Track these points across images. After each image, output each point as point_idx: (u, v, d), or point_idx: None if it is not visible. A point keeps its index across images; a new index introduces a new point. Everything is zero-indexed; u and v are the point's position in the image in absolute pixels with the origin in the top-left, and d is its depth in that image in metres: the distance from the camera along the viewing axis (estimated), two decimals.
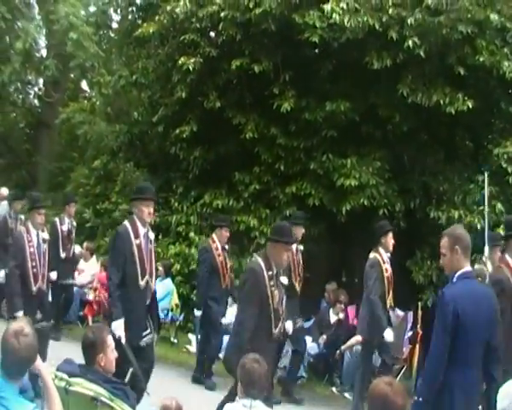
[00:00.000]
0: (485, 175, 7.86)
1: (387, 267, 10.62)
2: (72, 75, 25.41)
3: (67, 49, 19.63)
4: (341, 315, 13.71)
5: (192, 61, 15.40)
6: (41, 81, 26.89)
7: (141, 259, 8.60)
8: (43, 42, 24.17)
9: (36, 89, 28.20)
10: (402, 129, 14.82)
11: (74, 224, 15.08)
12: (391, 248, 10.87)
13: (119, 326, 8.20)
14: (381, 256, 10.60)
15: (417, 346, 11.74)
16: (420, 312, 12.13)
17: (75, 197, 16.66)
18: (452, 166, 15.05)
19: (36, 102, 28.88)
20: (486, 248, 9.87)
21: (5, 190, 19.25)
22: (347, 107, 14.41)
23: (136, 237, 8.60)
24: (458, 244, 5.98)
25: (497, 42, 14.19)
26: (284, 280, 8.16)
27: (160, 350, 13.52)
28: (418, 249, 14.42)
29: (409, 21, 13.41)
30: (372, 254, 10.66)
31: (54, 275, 12.98)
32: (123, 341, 8.16)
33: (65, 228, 14.33)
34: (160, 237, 16.52)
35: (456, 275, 6.00)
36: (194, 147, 16.71)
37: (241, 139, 15.67)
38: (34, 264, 10.14)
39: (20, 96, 28.10)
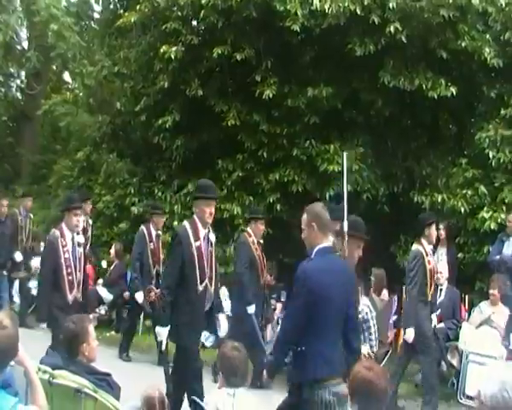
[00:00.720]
0: (344, 155, 8.04)
1: (430, 260, 10.49)
2: (54, 67, 25.30)
3: (49, 40, 19.52)
4: None
5: (174, 49, 15.34)
6: (23, 73, 26.80)
7: (200, 262, 8.24)
8: (24, 34, 24.05)
9: (18, 81, 28.13)
10: (384, 114, 14.88)
11: (90, 222, 15.11)
12: (434, 240, 10.87)
13: (163, 333, 8.13)
14: (424, 248, 10.42)
15: (402, 330, 11.72)
16: (404, 296, 12.13)
17: (89, 194, 16.55)
18: (435, 150, 15.11)
19: (18, 94, 28.78)
20: None
21: None
22: (330, 92, 14.40)
23: (196, 239, 8.24)
24: (315, 221, 6.20)
25: (478, 26, 14.26)
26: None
27: (145, 340, 13.56)
28: (402, 234, 14.45)
29: (390, 5, 13.42)
30: (415, 246, 10.52)
31: None
32: (163, 347, 8.30)
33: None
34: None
35: (315, 250, 6.20)
36: (176, 136, 16.66)
37: (223, 127, 15.61)
38: (69, 271, 9.24)
39: (2, 89, 27.96)
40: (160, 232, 13.10)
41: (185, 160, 16.85)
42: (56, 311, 8.98)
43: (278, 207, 14.99)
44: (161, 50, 15.49)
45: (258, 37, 15.29)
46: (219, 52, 15.00)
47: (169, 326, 8.09)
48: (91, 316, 9.44)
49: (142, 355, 12.82)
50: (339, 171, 13.96)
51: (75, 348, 5.80)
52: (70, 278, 9.23)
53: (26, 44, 24.37)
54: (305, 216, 6.39)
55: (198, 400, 5.84)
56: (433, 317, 11.16)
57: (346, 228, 6.94)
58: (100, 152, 19.07)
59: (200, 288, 8.23)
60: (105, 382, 5.67)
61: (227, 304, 12.80)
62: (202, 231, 8.32)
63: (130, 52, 17.89)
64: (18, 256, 15.07)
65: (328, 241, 6.32)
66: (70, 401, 5.43)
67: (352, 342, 6.32)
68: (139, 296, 12.56)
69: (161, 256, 13.09)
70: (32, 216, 16.34)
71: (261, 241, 12.02)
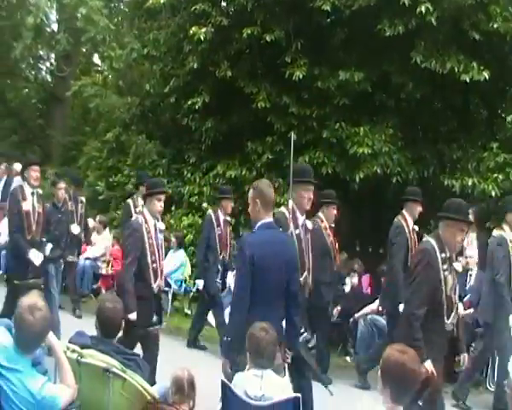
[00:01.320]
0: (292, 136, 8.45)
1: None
2: (83, 49, 25.36)
3: (78, 24, 19.56)
4: (354, 282, 13.62)
5: (203, 30, 15.32)
6: (53, 56, 26.91)
7: (300, 250, 7.86)
8: (54, 16, 24.09)
9: (48, 64, 28.29)
10: (415, 96, 14.72)
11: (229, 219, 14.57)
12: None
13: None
14: (508, 234, 10.19)
15: None
16: None
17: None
18: (466, 133, 15.00)
19: (48, 77, 28.96)
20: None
21: (18, 166, 19.21)
22: (360, 76, 14.29)
23: (296, 226, 7.91)
24: (259, 198, 6.62)
25: (511, 8, 14.05)
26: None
27: (173, 322, 13.58)
28: (432, 218, 14.32)
29: None
30: (497, 232, 10.28)
31: None
32: None
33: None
34: (172, 208, 16.54)
35: (257, 225, 6.67)
36: (206, 117, 16.71)
37: (253, 109, 15.60)
38: (154, 258, 8.60)
39: (33, 72, 28.13)
40: (228, 218, 12.68)
41: (214, 141, 16.89)
42: (139, 301, 8.31)
43: None
44: (191, 32, 15.48)
45: (287, 18, 15.21)
46: (249, 33, 14.95)
47: None
48: None
49: (171, 337, 12.84)
50: (369, 153, 13.96)
51: (114, 330, 5.86)
52: (154, 266, 8.63)
53: (55, 27, 24.44)
54: (251, 192, 6.81)
55: (226, 381, 5.80)
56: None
57: (290, 205, 7.79)
58: (129, 133, 19.12)
59: (301, 279, 7.94)
60: (133, 362, 5.70)
61: None
62: (300, 219, 8.07)
63: (159, 34, 17.88)
64: (75, 229, 14.17)
65: (270, 217, 6.72)
66: (98, 381, 5.46)
67: (292, 316, 6.76)
68: (200, 283, 12.37)
69: (229, 242, 12.74)
70: (83, 200, 15.21)
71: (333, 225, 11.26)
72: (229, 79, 15.83)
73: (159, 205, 8.67)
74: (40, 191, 11.11)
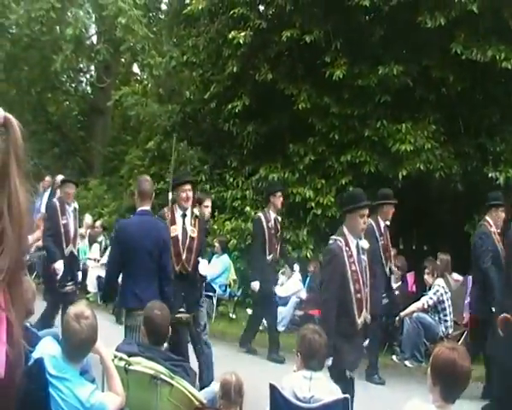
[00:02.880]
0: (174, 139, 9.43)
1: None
2: (122, 59, 25.56)
3: (117, 33, 19.72)
4: (399, 282, 13.53)
5: (242, 34, 15.43)
6: (92, 67, 27.14)
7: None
8: (93, 28, 24.32)
9: (88, 75, 28.52)
10: (456, 89, 14.61)
11: (279, 219, 13.15)
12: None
13: None
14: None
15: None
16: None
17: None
18: (509, 125, 14.80)
19: (88, 88, 29.22)
20: None
21: (60, 178, 19.48)
22: (400, 70, 14.26)
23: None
24: (137, 190, 8.18)
25: None
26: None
27: (218, 326, 13.60)
28: (476, 213, 14.21)
29: None
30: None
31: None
32: None
33: (271, 224, 12.13)
34: (215, 213, 16.60)
35: (136, 212, 8.16)
36: (247, 121, 16.78)
37: (294, 110, 15.63)
38: (358, 287, 7.15)
39: (73, 85, 28.40)
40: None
41: (256, 145, 16.91)
42: (341, 341, 6.91)
43: (351, 189, 14.88)
44: (230, 36, 15.60)
45: (326, 18, 15.23)
46: (288, 35, 14.99)
47: None
48: None
49: (216, 341, 12.85)
50: (411, 150, 13.92)
51: (163, 337, 5.90)
52: (359, 296, 7.20)
53: (94, 39, 24.64)
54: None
55: (275, 383, 5.80)
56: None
57: (170, 198, 8.87)
58: (170, 141, 19.20)
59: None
60: (181, 368, 5.71)
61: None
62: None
63: (198, 40, 18.05)
64: None
65: (146, 205, 8.00)
66: (146, 388, 5.48)
67: (163, 287, 7.90)
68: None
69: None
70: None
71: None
72: (269, 82, 15.87)
73: (362, 222, 7.34)
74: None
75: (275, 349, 12.03)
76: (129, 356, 5.58)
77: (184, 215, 9.09)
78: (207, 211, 11.14)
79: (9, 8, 19.45)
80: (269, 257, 12.07)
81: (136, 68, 27.05)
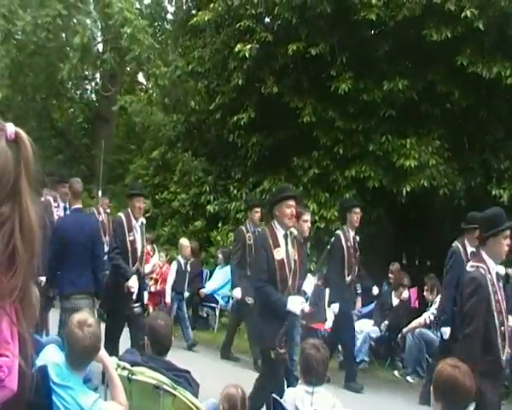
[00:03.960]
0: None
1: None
2: (128, 68, 25.60)
3: (123, 43, 19.77)
4: (405, 297, 13.51)
5: (248, 47, 15.45)
6: (98, 76, 27.24)
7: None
8: (99, 37, 24.39)
9: (93, 83, 28.63)
10: (461, 105, 14.63)
11: (357, 238, 12.30)
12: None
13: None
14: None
15: None
16: None
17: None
18: None
19: (93, 96, 29.31)
20: None
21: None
22: (405, 85, 14.30)
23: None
24: (70, 191, 9.61)
25: None
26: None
27: (222, 337, 13.58)
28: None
29: None
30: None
31: None
32: None
33: (350, 243, 11.34)
34: (219, 224, 16.60)
35: (71, 209, 9.68)
36: (251, 133, 16.80)
37: (298, 124, 15.64)
38: (501, 319, 6.31)
39: (78, 92, 28.44)
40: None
41: (260, 157, 16.91)
42: (486, 382, 5.92)
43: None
44: (236, 49, 15.63)
45: (332, 32, 15.24)
46: (294, 48, 15.01)
47: None
48: None
49: (218, 353, 12.83)
50: (415, 166, 13.90)
51: (166, 347, 5.90)
52: (502, 329, 6.33)
53: (100, 47, 24.71)
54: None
55: (277, 397, 5.81)
56: None
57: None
58: (175, 151, 19.28)
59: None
60: (184, 378, 5.68)
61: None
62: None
63: (204, 51, 18.08)
64: None
65: (78, 204, 9.44)
66: (149, 398, 5.45)
67: (97, 274, 9.37)
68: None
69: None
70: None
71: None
72: (274, 95, 15.87)
73: (505, 244, 6.54)
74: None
75: (352, 377, 11.21)
76: (132, 366, 5.55)
77: (287, 235, 7.90)
78: (306, 226, 10.11)
79: (16, 14, 19.49)
80: (348, 278, 11.25)
81: (141, 77, 27.17)
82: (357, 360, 12.28)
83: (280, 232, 7.77)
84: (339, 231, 11.37)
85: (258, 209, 12.28)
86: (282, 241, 7.77)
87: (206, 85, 18.70)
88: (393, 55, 15.19)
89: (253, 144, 16.78)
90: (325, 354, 5.88)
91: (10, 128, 2.53)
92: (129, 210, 10.10)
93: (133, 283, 9.76)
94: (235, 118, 16.53)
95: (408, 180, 14.18)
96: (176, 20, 22.07)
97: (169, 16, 24.48)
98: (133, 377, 5.50)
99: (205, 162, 18.23)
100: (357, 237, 11.52)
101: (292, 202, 7.80)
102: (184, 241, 14.33)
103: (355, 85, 14.82)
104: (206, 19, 16.66)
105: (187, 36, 19.85)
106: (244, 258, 12.01)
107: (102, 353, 5.10)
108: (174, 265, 14.02)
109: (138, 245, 10.15)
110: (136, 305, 10.01)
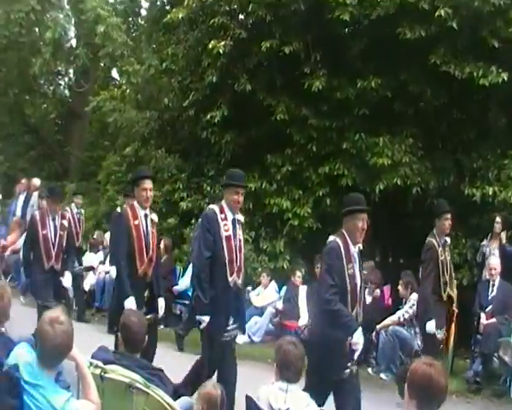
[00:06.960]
0: None
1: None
2: (101, 64, 25.42)
3: (96, 40, 19.64)
4: (376, 294, 13.56)
5: (222, 44, 15.45)
6: (71, 71, 26.98)
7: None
8: (72, 32, 24.23)
9: (66, 79, 28.37)
10: (434, 105, 14.75)
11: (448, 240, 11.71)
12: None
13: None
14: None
15: (453, 325, 11.48)
16: (455, 290, 11.91)
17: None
18: (485, 142, 14.88)
19: (66, 92, 29.05)
20: None
21: (37, 181, 19.42)
22: (378, 83, 14.35)
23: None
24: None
25: None
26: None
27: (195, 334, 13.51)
28: (452, 228, 14.24)
29: None
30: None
31: None
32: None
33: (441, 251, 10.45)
34: (192, 221, 16.56)
35: None
36: (225, 131, 16.77)
37: (272, 121, 15.64)
38: None
39: (51, 88, 28.16)
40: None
41: (234, 155, 16.87)
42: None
43: (327, 201, 14.98)
44: (209, 45, 15.60)
45: (306, 30, 15.27)
46: (268, 46, 15.04)
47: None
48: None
49: (197, 350, 12.73)
50: (388, 164, 13.94)
51: (139, 344, 5.89)
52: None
53: (74, 42, 24.54)
54: None
55: (251, 395, 5.79)
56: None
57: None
58: (148, 148, 19.16)
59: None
60: (157, 377, 5.66)
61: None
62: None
63: (177, 48, 18.04)
64: None
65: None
66: (121, 396, 5.43)
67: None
68: None
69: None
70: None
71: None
72: (248, 92, 15.88)
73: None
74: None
75: None
76: (104, 364, 5.52)
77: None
78: None
79: None
80: (444, 294, 10.35)
81: (115, 73, 26.96)
82: None
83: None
84: (430, 238, 10.29)
85: None
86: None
87: (179, 82, 18.59)
88: (367, 54, 15.19)
89: (227, 142, 16.75)
90: (302, 350, 5.87)
91: None
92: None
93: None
94: (208, 115, 16.46)
95: (381, 178, 14.25)
96: (150, 17, 21.97)
97: (143, 12, 24.41)
98: (106, 375, 5.47)
99: (178, 159, 18.15)
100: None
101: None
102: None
103: (329, 83, 14.84)
104: (179, 16, 16.57)
105: (160, 32, 19.79)
106: None
107: (75, 351, 5.05)
108: None
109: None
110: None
